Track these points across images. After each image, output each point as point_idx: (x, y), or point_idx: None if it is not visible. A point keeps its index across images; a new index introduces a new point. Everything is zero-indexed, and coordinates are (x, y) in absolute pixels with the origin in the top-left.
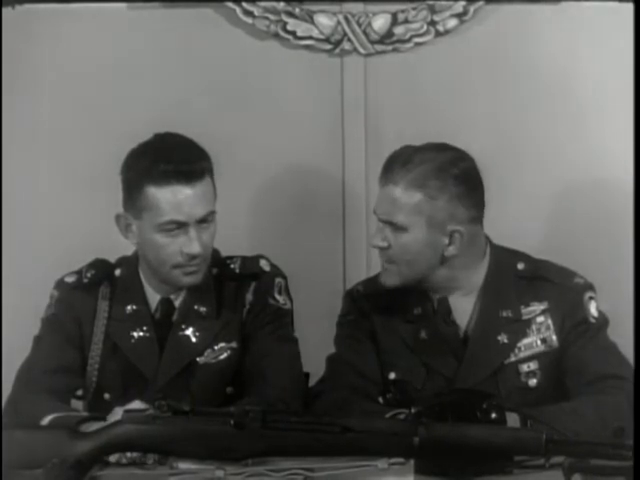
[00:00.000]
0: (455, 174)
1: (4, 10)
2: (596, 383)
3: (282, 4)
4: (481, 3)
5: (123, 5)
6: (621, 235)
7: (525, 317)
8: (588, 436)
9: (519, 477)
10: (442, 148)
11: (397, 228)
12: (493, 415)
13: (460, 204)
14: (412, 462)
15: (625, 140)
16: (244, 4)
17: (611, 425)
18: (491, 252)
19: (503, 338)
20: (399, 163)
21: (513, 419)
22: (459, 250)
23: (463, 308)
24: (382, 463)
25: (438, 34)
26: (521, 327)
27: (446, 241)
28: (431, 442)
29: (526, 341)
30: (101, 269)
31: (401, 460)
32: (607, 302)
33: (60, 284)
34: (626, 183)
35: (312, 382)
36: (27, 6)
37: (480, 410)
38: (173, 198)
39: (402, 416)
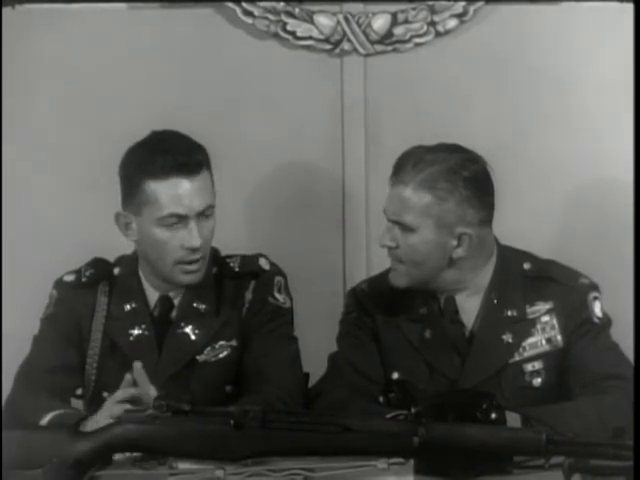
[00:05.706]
0: (465, 177)
1: (4, 10)
2: (597, 383)
3: (282, 4)
4: (481, 3)
5: (123, 5)
6: (621, 235)
7: (530, 316)
8: (588, 436)
9: (519, 477)
10: (454, 149)
11: (405, 228)
12: (493, 415)
13: (470, 207)
14: (412, 462)
15: (625, 140)
16: (244, 4)
17: (611, 425)
18: (498, 252)
19: (508, 337)
20: (410, 163)
21: (513, 419)
22: (467, 252)
23: (469, 307)
24: (382, 463)
25: (438, 34)
26: (526, 326)
27: (454, 243)
28: (431, 442)
29: (531, 340)
30: (100, 268)
31: (401, 460)
32: (607, 302)
33: (59, 283)
34: (626, 183)
35: (312, 382)
36: (27, 6)
37: (480, 410)
38: (173, 191)
39: (402, 417)
